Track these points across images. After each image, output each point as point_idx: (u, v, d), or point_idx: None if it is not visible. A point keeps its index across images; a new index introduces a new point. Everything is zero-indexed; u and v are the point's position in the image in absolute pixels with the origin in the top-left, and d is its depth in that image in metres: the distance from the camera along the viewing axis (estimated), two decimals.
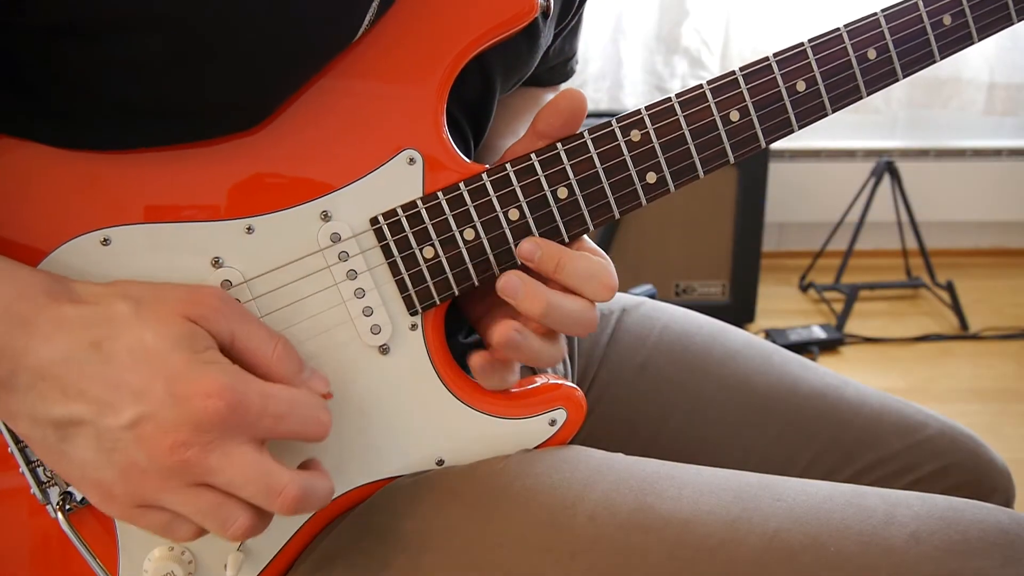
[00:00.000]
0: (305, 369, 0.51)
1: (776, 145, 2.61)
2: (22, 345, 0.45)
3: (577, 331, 0.57)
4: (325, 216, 0.54)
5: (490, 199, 0.56)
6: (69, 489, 0.55)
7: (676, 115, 0.57)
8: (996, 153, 2.53)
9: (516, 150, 0.58)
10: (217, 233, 0.53)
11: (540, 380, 0.62)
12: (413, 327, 0.57)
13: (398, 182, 0.55)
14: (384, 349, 0.57)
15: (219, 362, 0.47)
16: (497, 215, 0.56)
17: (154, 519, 0.48)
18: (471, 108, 0.63)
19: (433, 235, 0.56)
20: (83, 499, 0.55)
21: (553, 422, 0.60)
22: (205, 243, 0.53)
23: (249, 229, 0.54)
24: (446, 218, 0.56)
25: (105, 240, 0.52)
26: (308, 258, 0.55)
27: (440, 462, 0.60)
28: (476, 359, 0.57)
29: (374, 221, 0.55)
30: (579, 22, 0.78)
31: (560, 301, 0.55)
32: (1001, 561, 0.50)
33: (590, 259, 0.56)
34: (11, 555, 0.57)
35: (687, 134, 0.57)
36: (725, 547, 0.52)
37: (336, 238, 0.55)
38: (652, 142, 0.57)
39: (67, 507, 0.55)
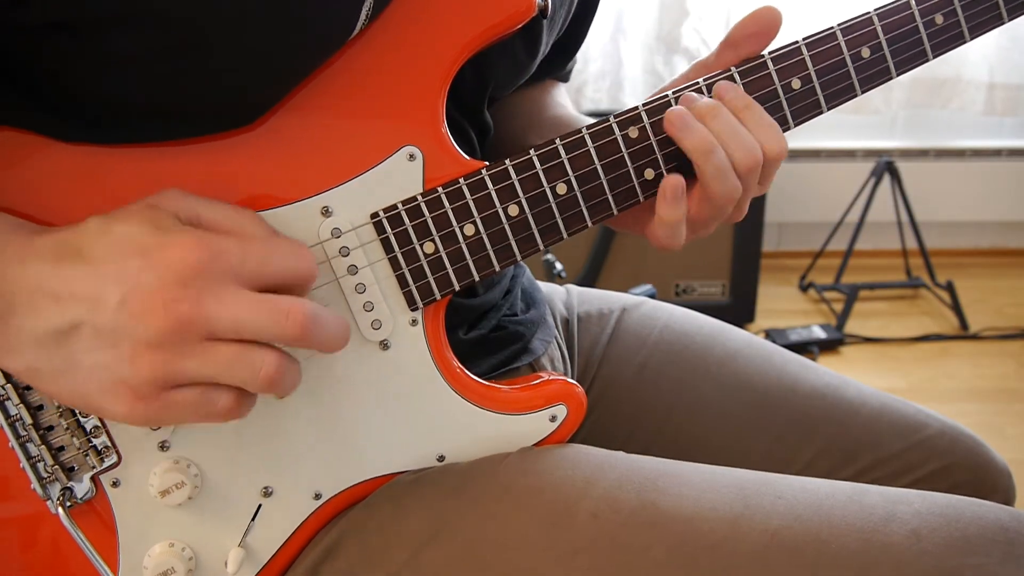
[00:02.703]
0: (280, 234, 0.51)
1: None
2: (13, 272, 0.46)
3: (742, 156, 0.57)
4: (326, 211, 0.54)
5: (490, 194, 0.56)
6: (69, 485, 0.55)
7: None
8: (996, 153, 2.53)
9: (706, 66, 0.61)
10: None
11: (541, 377, 0.62)
12: (413, 322, 0.57)
13: (398, 178, 0.55)
14: (385, 344, 0.57)
15: (188, 229, 0.47)
16: (497, 211, 0.56)
17: (187, 398, 0.47)
18: (470, 108, 0.63)
19: (433, 230, 0.56)
20: (84, 495, 0.55)
21: (554, 418, 0.60)
22: None
23: None
24: (446, 213, 0.56)
25: None
26: None
27: (441, 458, 0.60)
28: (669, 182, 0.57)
29: (375, 216, 0.55)
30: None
31: (743, 130, 0.57)
32: (1001, 558, 0.50)
33: (771, 118, 0.59)
34: (11, 554, 0.57)
35: None
36: (727, 544, 0.52)
37: (337, 233, 0.55)
38: (649, 139, 0.57)
39: (67, 503, 0.55)
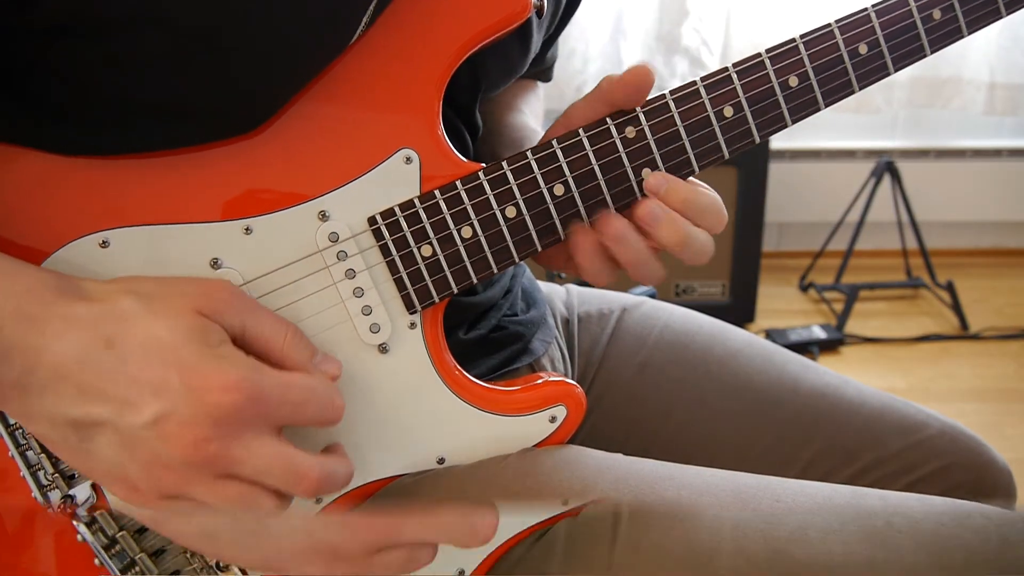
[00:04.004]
0: (317, 354, 0.52)
1: (776, 145, 2.60)
2: (34, 343, 0.45)
3: (701, 259, 0.58)
4: (323, 216, 0.54)
5: (487, 197, 0.56)
6: (70, 492, 0.55)
7: (671, 111, 0.57)
8: (996, 153, 2.53)
9: (578, 115, 0.58)
10: (215, 234, 0.54)
11: (540, 377, 0.62)
12: (412, 325, 0.57)
13: (395, 181, 0.55)
14: (383, 348, 0.57)
15: (234, 355, 0.47)
16: (494, 213, 0.56)
17: (180, 507, 0.48)
18: (463, 108, 0.63)
19: (431, 234, 0.56)
20: (85, 502, 0.55)
21: (553, 419, 0.60)
22: (203, 244, 0.53)
23: (247, 230, 0.54)
24: (443, 217, 0.56)
25: (104, 242, 0.52)
26: (307, 258, 0.55)
27: (441, 460, 0.60)
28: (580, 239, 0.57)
29: (372, 220, 0.55)
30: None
31: (695, 232, 0.57)
32: (1001, 563, 0.50)
33: (708, 194, 0.58)
34: (11, 560, 0.57)
35: (681, 130, 0.57)
36: (724, 547, 0.52)
37: (334, 238, 0.55)
38: (647, 138, 0.57)
39: (69, 510, 0.54)
